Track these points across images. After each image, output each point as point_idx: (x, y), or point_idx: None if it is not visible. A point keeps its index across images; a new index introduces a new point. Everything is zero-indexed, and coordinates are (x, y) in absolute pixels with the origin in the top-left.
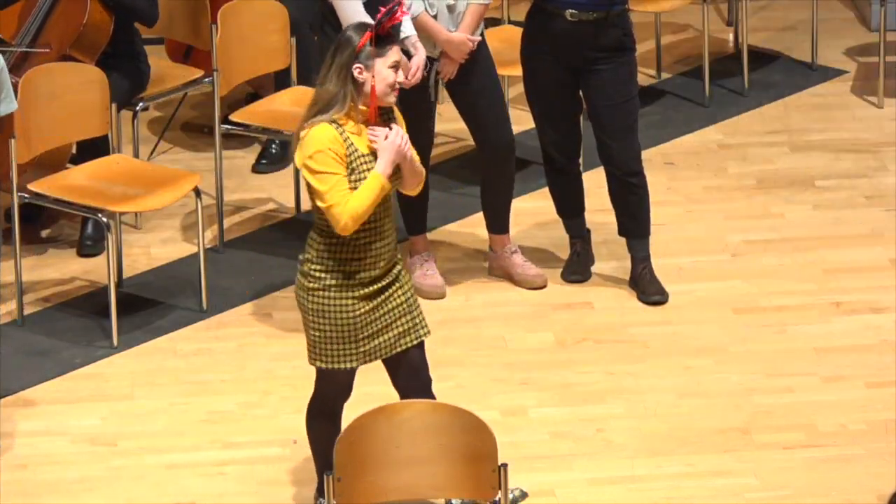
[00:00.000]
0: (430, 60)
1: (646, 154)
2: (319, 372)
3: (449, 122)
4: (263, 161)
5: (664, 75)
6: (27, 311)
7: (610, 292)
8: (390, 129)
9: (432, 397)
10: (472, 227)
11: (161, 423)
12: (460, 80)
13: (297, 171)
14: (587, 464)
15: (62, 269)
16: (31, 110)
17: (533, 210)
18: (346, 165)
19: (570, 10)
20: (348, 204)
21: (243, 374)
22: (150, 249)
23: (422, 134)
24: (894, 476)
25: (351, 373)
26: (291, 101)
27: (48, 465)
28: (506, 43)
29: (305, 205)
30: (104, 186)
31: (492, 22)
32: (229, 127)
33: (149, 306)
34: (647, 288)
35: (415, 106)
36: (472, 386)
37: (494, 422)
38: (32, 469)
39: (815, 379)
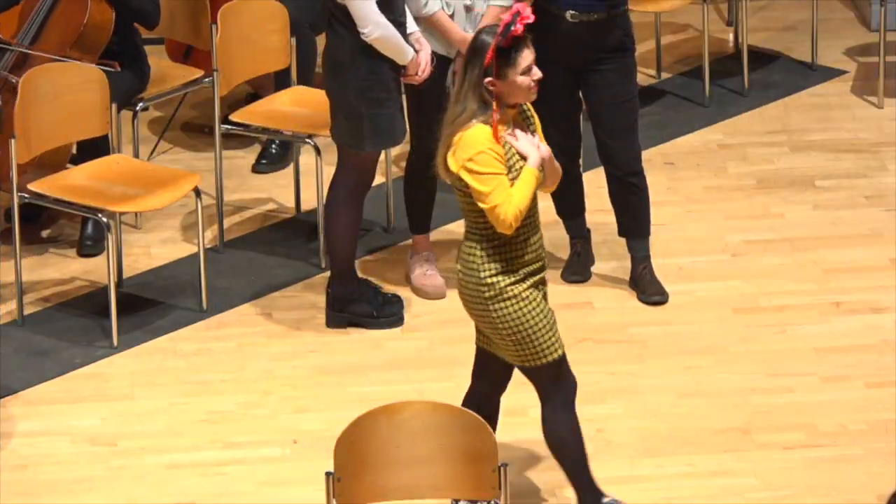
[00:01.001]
0: (448, 60)
1: (646, 154)
2: (543, 372)
3: None
4: (263, 161)
5: (664, 75)
6: (27, 311)
7: (610, 292)
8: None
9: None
10: None
11: (161, 423)
12: None
13: (297, 171)
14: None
15: (62, 269)
16: (32, 110)
17: None
18: (506, 164)
19: (571, 11)
20: (511, 202)
21: (243, 374)
22: (150, 249)
23: (432, 132)
24: (894, 476)
25: (566, 360)
26: (291, 101)
27: (48, 465)
28: None
29: (305, 205)
30: (104, 186)
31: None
32: (229, 127)
33: (149, 306)
34: (647, 288)
35: (429, 105)
36: None
37: None
38: (32, 469)
39: (815, 379)
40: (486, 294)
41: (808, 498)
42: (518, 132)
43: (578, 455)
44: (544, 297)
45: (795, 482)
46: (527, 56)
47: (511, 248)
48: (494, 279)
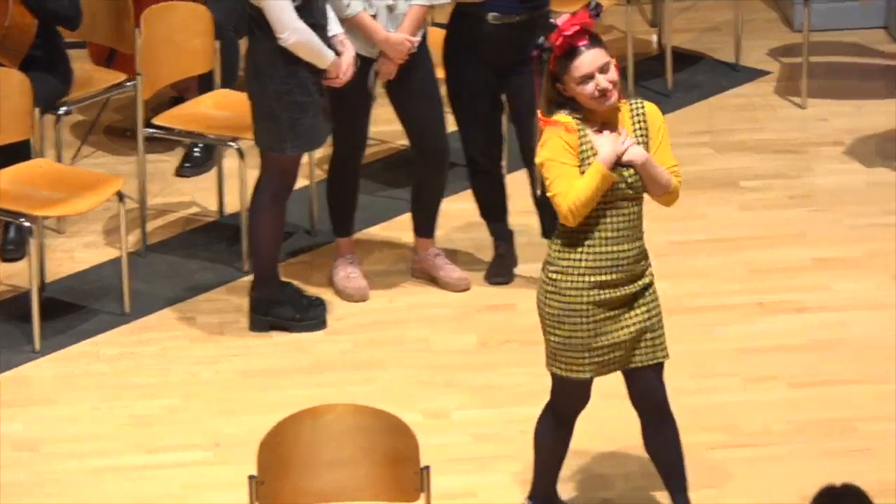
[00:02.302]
0: (370, 61)
1: None
2: (554, 378)
3: (374, 124)
4: (187, 165)
5: None
6: None
7: (533, 294)
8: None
9: (667, 419)
10: (397, 230)
11: (84, 427)
12: (401, 82)
13: (220, 175)
14: (511, 465)
15: None
16: None
17: (456, 212)
18: (576, 156)
19: (493, 13)
20: (570, 193)
21: (166, 378)
22: (73, 253)
23: (354, 135)
24: (817, 476)
25: (587, 384)
26: (215, 104)
27: None
28: (430, 45)
29: (229, 208)
30: (27, 191)
31: None
32: (152, 131)
33: (72, 310)
34: None
35: (350, 106)
36: (395, 388)
37: (418, 424)
38: None
39: (739, 379)
40: (547, 288)
41: (732, 498)
42: (608, 131)
43: (550, 461)
44: (619, 317)
45: (719, 482)
46: (581, 65)
47: (581, 252)
48: (556, 277)
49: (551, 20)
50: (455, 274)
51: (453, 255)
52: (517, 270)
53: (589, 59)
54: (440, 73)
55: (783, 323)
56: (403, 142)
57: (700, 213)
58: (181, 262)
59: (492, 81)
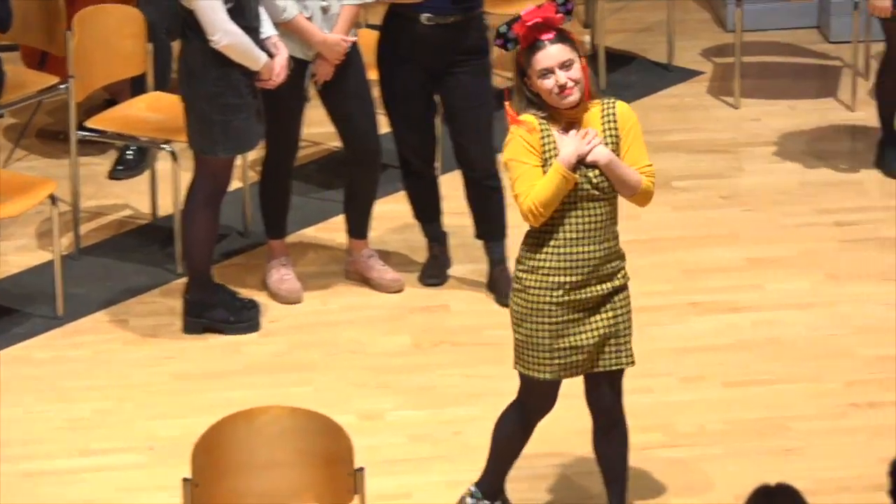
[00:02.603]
0: (305, 63)
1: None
2: (521, 377)
3: (307, 126)
4: (120, 167)
5: None
6: None
7: (467, 295)
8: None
9: (618, 425)
10: (331, 232)
11: (17, 431)
12: (333, 83)
13: (153, 177)
14: (445, 466)
15: None
16: None
17: (390, 214)
18: (539, 157)
19: (427, 14)
20: (531, 193)
21: (100, 381)
22: (5, 257)
23: (287, 137)
24: (752, 476)
25: (551, 385)
26: (148, 106)
27: None
28: (362, 47)
29: (162, 211)
30: None
31: None
32: (85, 133)
33: (4, 314)
34: (503, 290)
35: (284, 108)
36: (330, 390)
37: (352, 426)
38: None
39: (674, 379)
40: (515, 286)
41: (666, 498)
42: (574, 131)
43: (503, 456)
44: (585, 319)
45: (654, 483)
46: (542, 59)
47: (547, 252)
48: (523, 275)
49: (485, 21)
50: (389, 275)
51: (387, 256)
52: (450, 271)
53: (550, 53)
54: (373, 74)
55: (717, 323)
56: (336, 143)
57: (633, 213)
58: (114, 264)
59: (425, 82)
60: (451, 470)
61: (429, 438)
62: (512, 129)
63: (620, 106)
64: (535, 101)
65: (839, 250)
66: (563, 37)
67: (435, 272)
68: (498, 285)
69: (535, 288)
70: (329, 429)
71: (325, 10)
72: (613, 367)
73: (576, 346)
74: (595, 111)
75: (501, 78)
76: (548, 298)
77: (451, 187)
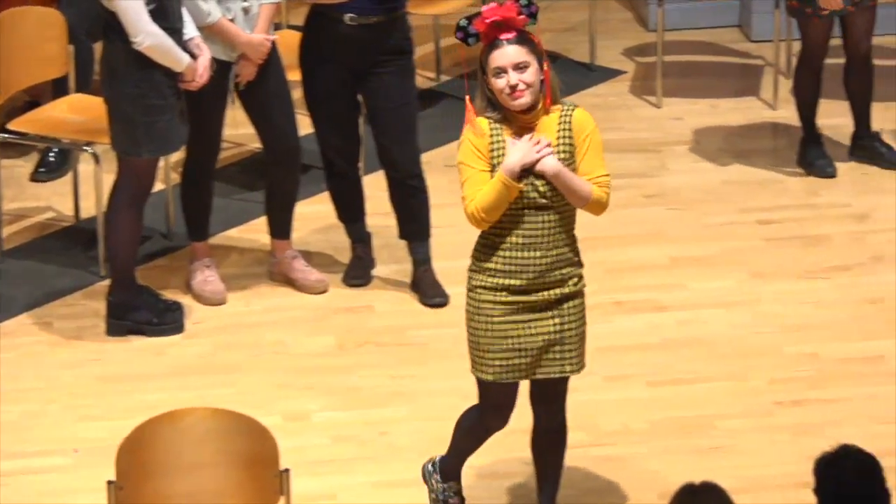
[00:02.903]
0: (227, 64)
1: (426, 157)
2: (477, 380)
3: (229, 127)
4: (42, 170)
5: (444, 78)
6: None
7: (391, 295)
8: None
9: (558, 430)
10: (254, 233)
11: None
12: (252, 83)
13: (76, 179)
14: (371, 467)
15: None
16: None
17: (313, 214)
18: (487, 161)
19: (350, 15)
20: (475, 198)
21: (24, 384)
22: None
23: (209, 138)
24: (677, 474)
25: (501, 388)
26: (70, 108)
27: None
28: (284, 48)
29: (85, 213)
30: None
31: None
32: (7, 136)
33: None
34: (427, 290)
35: (206, 109)
36: (254, 392)
37: (277, 427)
38: None
39: (598, 378)
40: (467, 286)
41: (591, 497)
42: (526, 137)
43: (461, 445)
44: (530, 323)
45: (578, 482)
46: (496, 58)
47: (493, 254)
48: (472, 275)
49: (408, 22)
50: (312, 276)
51: (311, 257)
52: (374, 272)
53: (506, 53)
54: (297, 75)
55: (641, 322)
56: (259, 144)
57: None
58: (38, 267)
59: (348, 82)
60: (377, 471)
61: (354, 439)
62: (464, 130)
63: (578, 113)
64: (493, 101)
65: (762, 249)
66: (524, 38)
67: (359, 273)
68: (422, 286)
69: (481, 288)
70: (254, 430)
71: (246, 10)
72: (555, 375)
73: (518, 348)
74: (553, 117)
75: (424, 78)
76: (491, 298)
77: (375, 188)
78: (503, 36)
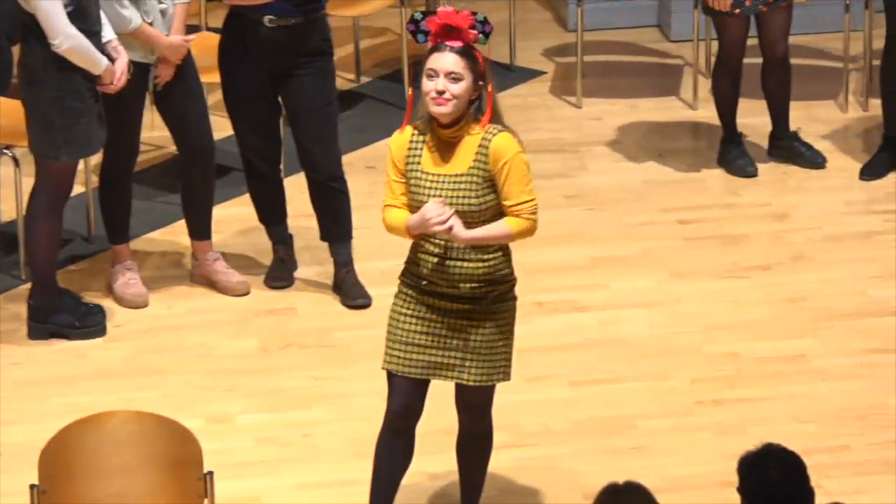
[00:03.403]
0: (146, 66)
1: (347, 158)
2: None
3: (147, 129)
4: None
5: (364, 79)
6: None
7: (313, 297)
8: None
9: (479, 435)
10: (175, 235)
11: None
12: (170, 84)
13: None
14: (295, 469)
15: None
16: None
17: (235, 217)
18: (400, 172)
19: (269, 16)
20: (387, 212)
21: None
22: None
23: (128, 141)
24: (600, 475)
25: (401, 383)
26: None
27: None
28: (203, 49)
29: (5, 216)
30: None
31: (189, 28)
32: None
33: None
34: (350, 292)
35: (124, 112)
36: (177, 394)
37: (200, 429)
38: None
39: (519, 379)
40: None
41: (514, 498)
42: (435, 201)
43: (376, 465)
44: (436, 323)
45: (501, 483)
46: (432, 60)
47: (413, 252)
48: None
49: (327, 23)
50: (234, 278)
51: (232, 259)
52: (297, 274)
53: (444, 58)
54: (216, 77)
55: (562, 322)
56: None
57: None
58: None
59: (267, 84)
60: (301, 472)
61: (278, 441)
62: (391, 141)
63: (497, 140)
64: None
65: (682, 248)
66: (468, 53)
67: (281, 275)
68: (344, 287)
69: (401, 281)
70: (177, 433)
71: (163, 13)
72: (450, 380)
73: (417, 343)
74: (474, 139)
75: (344, 80)
76: (403, 291)
77: (297, 189)
78: (449, 42)
